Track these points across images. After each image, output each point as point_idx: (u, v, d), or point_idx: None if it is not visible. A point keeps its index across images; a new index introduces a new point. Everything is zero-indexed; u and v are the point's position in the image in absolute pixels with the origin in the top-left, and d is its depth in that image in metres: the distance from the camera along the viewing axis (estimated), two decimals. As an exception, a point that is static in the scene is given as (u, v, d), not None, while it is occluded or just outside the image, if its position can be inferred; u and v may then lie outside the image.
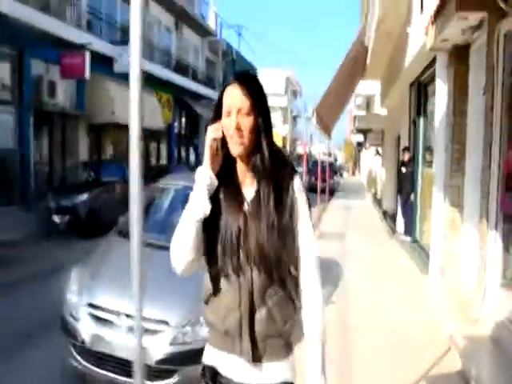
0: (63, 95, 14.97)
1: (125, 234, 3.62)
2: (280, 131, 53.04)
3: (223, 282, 1.58)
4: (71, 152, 15.25)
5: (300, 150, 66.72)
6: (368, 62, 7.91)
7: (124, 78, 16.44)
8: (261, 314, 1.54)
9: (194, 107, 22.65)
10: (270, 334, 1.55)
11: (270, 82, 50.41)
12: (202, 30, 26.27)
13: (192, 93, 22.38)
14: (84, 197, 10.01)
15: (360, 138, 33.16)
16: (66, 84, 14.75)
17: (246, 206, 1.57)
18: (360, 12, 18.14)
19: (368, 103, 23.86)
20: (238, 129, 1.52)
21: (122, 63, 15.57)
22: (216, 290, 1.60)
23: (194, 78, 23.96)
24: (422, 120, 8.83)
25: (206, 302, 1.64)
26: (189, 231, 1.55)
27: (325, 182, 15.36)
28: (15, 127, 12.72)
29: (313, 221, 1.62)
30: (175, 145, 22.89)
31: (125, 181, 12.00)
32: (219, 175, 1.58)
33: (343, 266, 7.42)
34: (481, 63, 4.94)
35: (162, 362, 3.09)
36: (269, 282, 1.54)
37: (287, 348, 1.60)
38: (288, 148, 55.07)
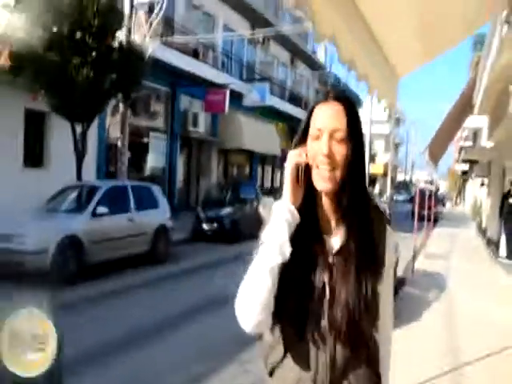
0: (202, 124, 17.84)
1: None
2: (382, 159, 53.65)
3: (296, 350, 1.29)
4: (205, 172, 18.08)
5: (400, 177, 66.30)
6: (476, 103, 9.21)
7: (251, 110, 19.18)
8: None
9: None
10: None
11: (373, 109, 51.46)
12: (314, 64, 28.65)
13: (304, 122, 24.61)
14: (228, 210, 12.38)
15: (465, 167, 32.98)
16: (204, 115, 17.60)
17: (330, 258, 1.29)
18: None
19: (474, 135, 24.33)
20: (330, 156, 1.22)
21: (250, 98, 18.14)
22: (285, 357, 1.30)
23: (306, 107, 26.18)
24: (525, 156, 9.90)
25: (271, 373, 1.33)
26: (263, 281, 1.20)
27: (429, 209, 16.33)
28: (166, 151, 15.66)
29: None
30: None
31: (257, 199, 14.34)
32: (299, 212, 1.26)
33: (447, 279, 8.76)
34: None
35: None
36: (353, 355, 1.28)
37: None
38: (389, 175, 55.14)
